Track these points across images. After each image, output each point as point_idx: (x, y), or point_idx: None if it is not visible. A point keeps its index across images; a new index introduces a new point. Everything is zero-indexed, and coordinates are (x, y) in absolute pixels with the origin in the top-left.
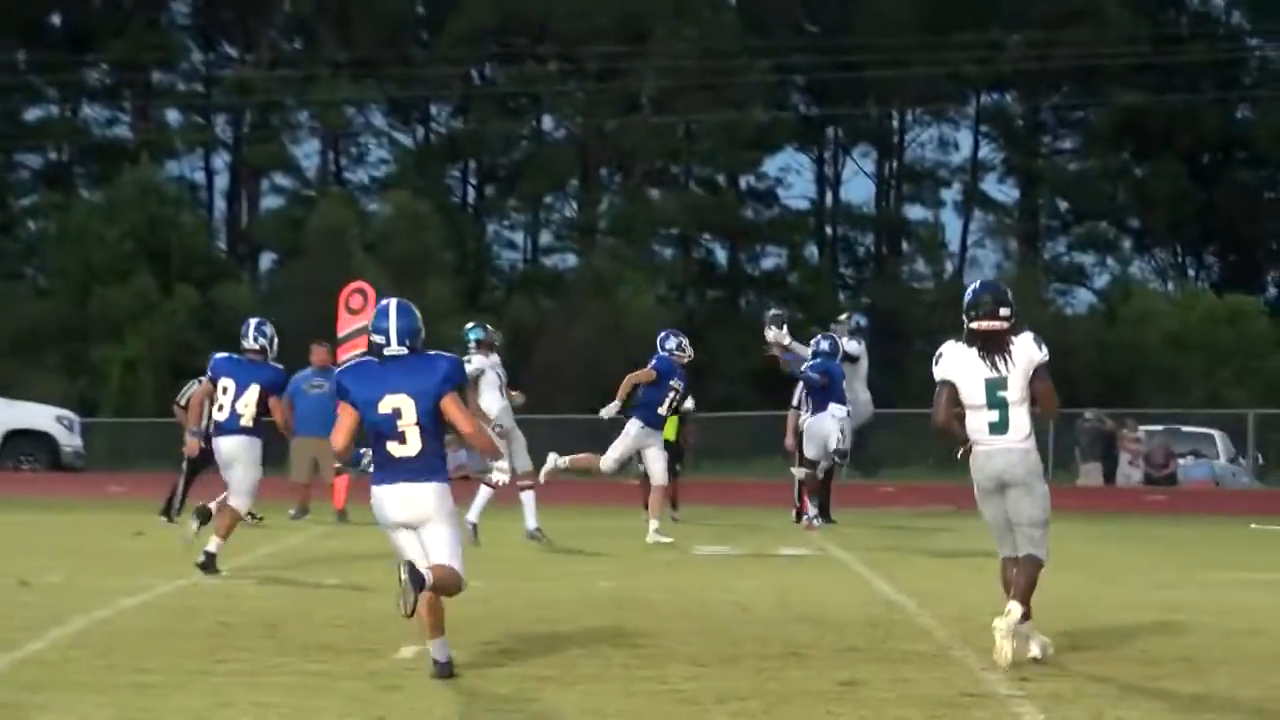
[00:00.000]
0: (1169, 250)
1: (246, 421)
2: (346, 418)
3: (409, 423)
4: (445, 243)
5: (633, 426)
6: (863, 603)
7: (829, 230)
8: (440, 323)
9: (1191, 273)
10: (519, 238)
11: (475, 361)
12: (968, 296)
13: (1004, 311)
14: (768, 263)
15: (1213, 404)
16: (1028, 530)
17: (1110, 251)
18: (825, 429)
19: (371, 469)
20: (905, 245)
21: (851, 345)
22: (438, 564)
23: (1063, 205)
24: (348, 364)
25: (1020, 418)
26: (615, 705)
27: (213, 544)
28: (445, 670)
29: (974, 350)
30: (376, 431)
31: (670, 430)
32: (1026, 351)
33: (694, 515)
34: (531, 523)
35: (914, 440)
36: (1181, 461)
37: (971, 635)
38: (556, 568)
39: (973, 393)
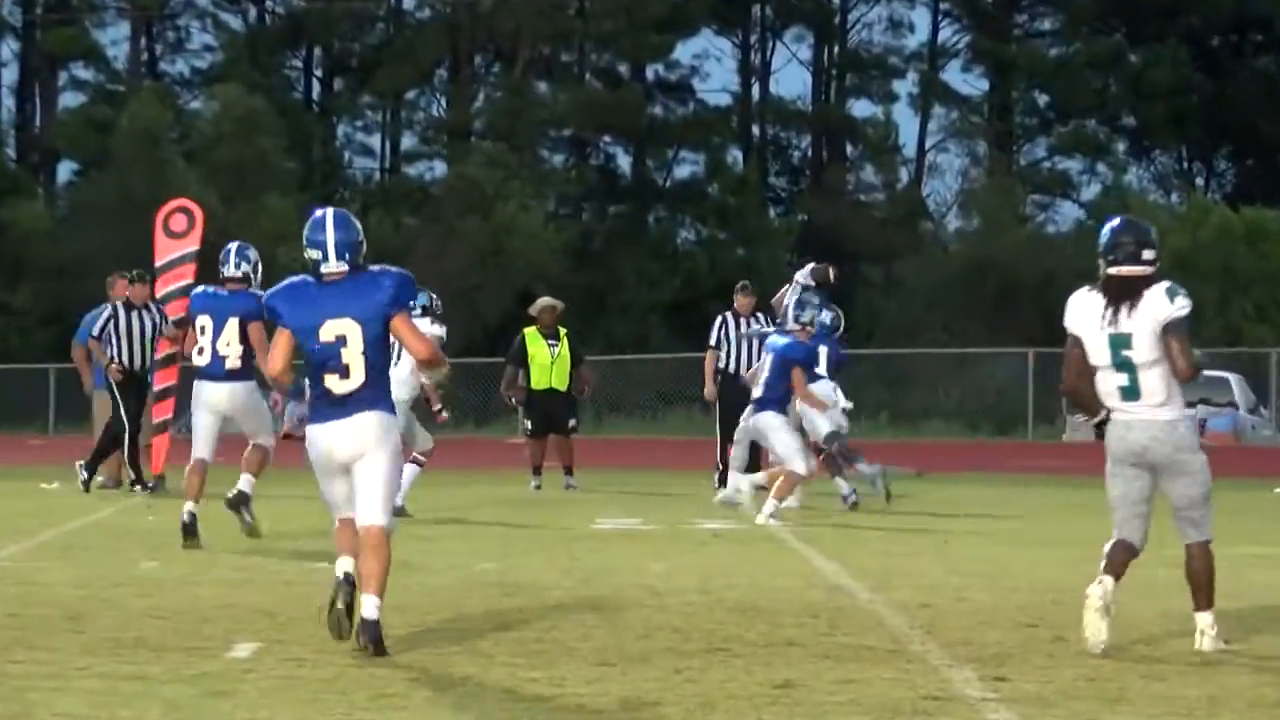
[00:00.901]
0: (1171, 154)
1: (233, 363)
2: (283, 340)
3: (354, 352)
4: (285, 149)
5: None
6: (802, 586)
7: (756, 131)
8: (280, 248)
9: (1200, 181)
10: (375, 142)
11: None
12: (1104, 237)
13: (1147, 255)
14: (682, 171)
15: (1228, 342)
16: (1187, 513)
17: (1100, 156)
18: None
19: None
20: (850, 149)
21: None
22: (369, 574)
23: (1041, 99)
24: (280, 284)
25: (1155, 382)
26: (499, 715)
27: (244, 481)
28: (372, 630)
29: (1102, 300)
30: (315, 363)
31: (560, 377)
32: (1154, 304)
33: (594, 481)
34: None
35: (865, 388)
36: (1189, 412)
37: (936, 625)
38: (429, 547)
39: (1096, 350)
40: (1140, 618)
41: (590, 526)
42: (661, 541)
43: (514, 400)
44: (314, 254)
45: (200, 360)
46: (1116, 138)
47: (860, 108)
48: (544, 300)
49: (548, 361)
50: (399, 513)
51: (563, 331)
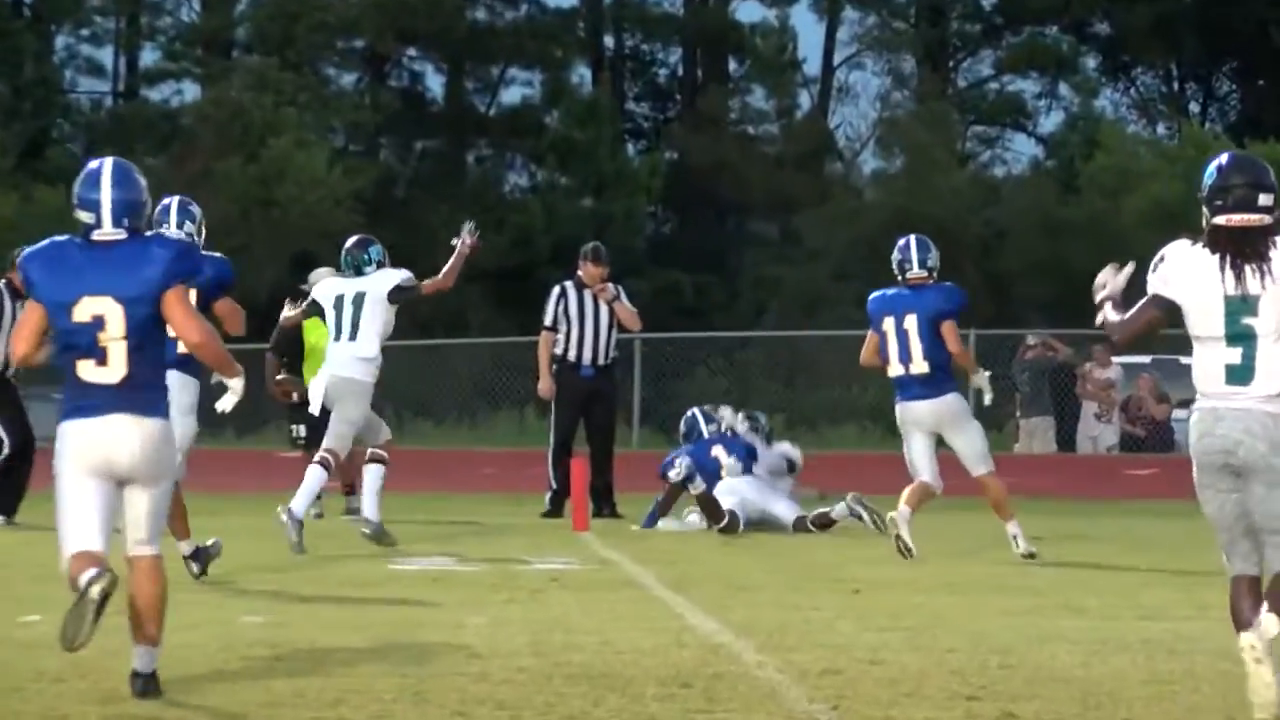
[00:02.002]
0: (1157, 72)
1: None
2: (33, 315)
3: (113, 336)
4: None
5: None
6: (669, 646)
7: (609, 42)
8: None
9: (1194, 107)
10: (107, 57)
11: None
12: (1209, 178)
13: (1264, 200)
14: (511, 95)
15: None
16: (1276, 534)
17: (1064, 74)
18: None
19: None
20: (733, 66)
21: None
22: (145, 613)
23: (987, 0)
24: (38, 245)
25: (1273, 362)
26: None
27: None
28: (148, 685)
29: (1215, 256)
30: (66, 345)
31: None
32: None
33: (393, 507)
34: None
35: (754, 382)
36: (1181, 413)
37: (846, 697)
38: (176, 595)
39: (1206, 318)
40: (1119, 685)
41: (387, 568)
42: (482, 587)
43: (293, 396)
44: (85, 216)
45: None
46: (1085, 50)
47: (747, 10)
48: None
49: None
50: (379, 537)
51: None
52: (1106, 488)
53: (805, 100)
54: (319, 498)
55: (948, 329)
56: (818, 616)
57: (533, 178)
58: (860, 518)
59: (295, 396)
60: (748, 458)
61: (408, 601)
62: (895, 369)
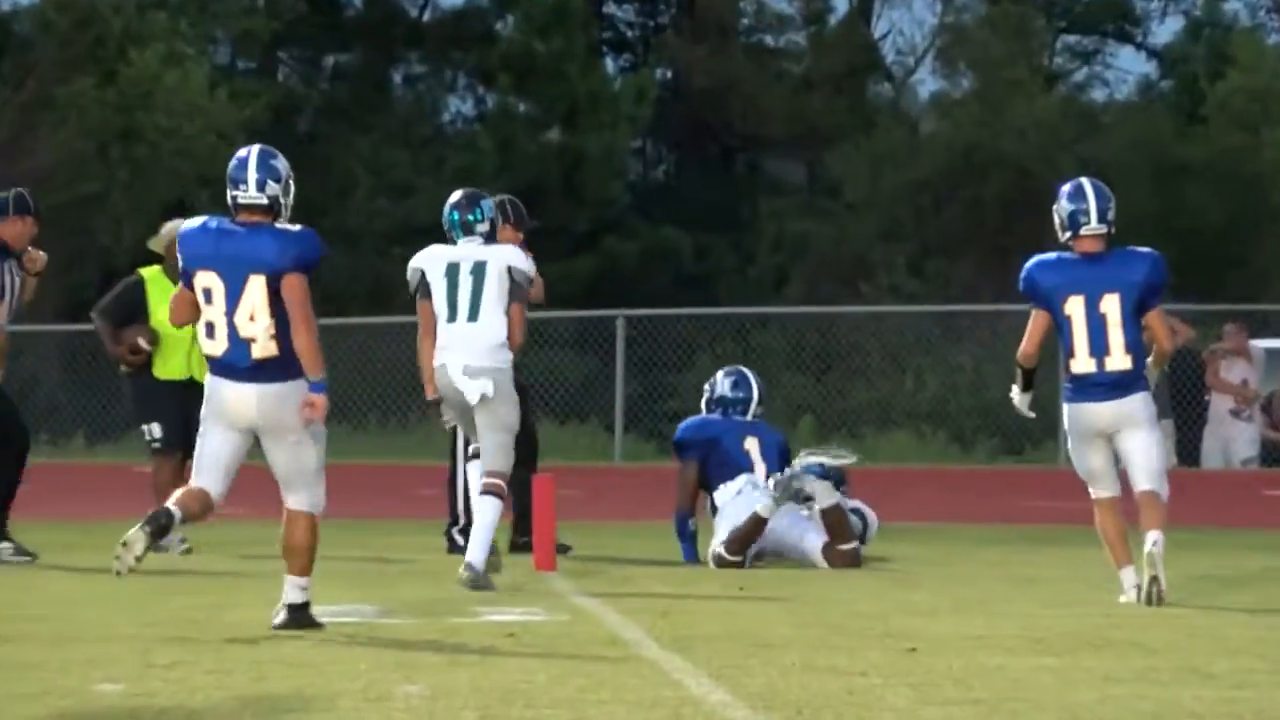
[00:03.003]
0: None
1: (263, 349)
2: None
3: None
4: None
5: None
6: (648, 704)
7: None
8: None
9: None
10: None
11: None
12: None
13: None
14: None
15: None
16: None
17: None
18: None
19: None
20: None
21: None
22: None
23: None
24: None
25: None
26: None
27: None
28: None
29: None
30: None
31: (175, 366)
32: None
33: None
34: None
35: (774, 373)
36: None
37: None
38: (12, 651)
39: None
40: None
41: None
42: (416, 646)
43: (144, 346)
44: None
45: (210, 347)
46: None
47: None
48: (173, 228)
49: (185, 332)
50: (480, 584)
51: None
52: (1241, 512)
53: (841, 1)
54: (172, 533)
55: (1157, 316)
56: (862, 684)
57: (481, 103)
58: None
59: (146, 344)
60: (780, 462)
61: (314, 665)
62: (1083, 364)
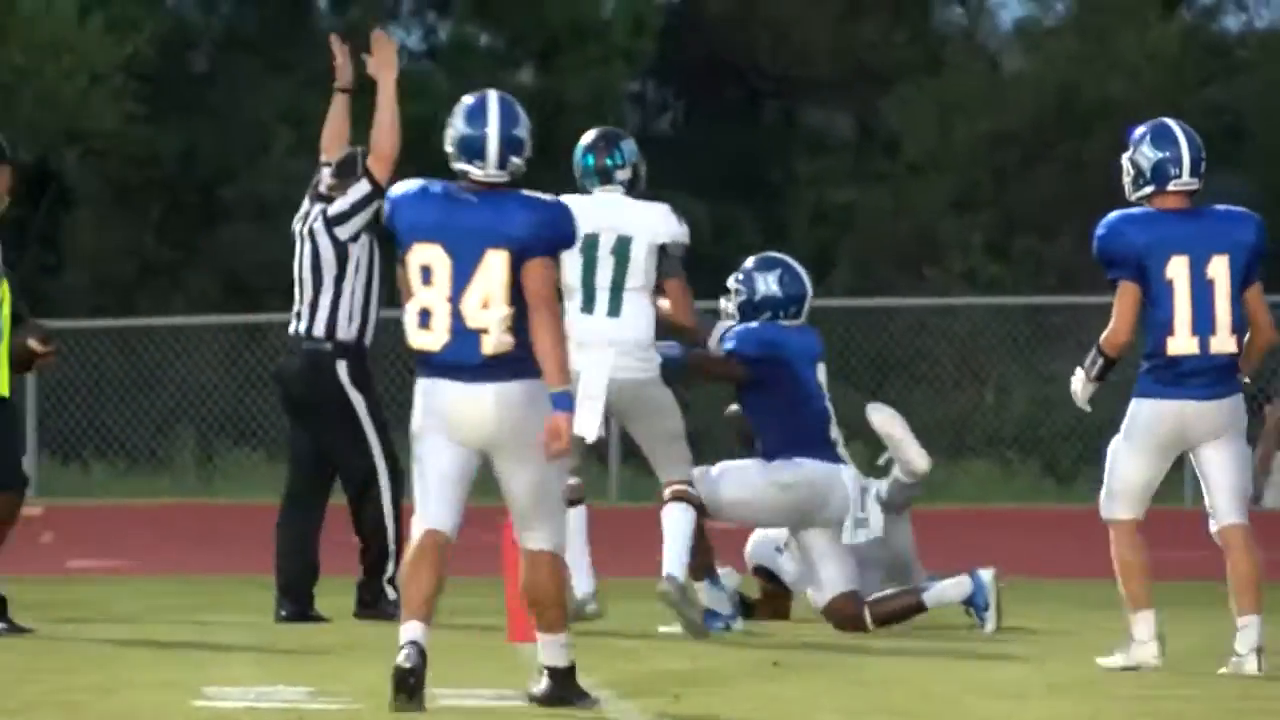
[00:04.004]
0: None
1: (495, 344)
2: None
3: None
4: None
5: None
6: None
7: None
8: None
9: None
10: None
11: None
12: None
13: None
14: None
15: None
16: None
17: None
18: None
19: None
20: None
21: None
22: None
23: None
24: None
25: None
26: None
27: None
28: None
29: None
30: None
31: None
32: None
33: (198, 593)
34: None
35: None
36: None
37: None
38: None
39: None
40: None
41: (191, 703)
42: None
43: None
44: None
45: (423, 340)
46: None
47: None
48: None
49: None
50: (681, 603)
51: None
52: None
53: None
54: None
55: (1260, 293)
56: None
57: (432, 35)
58: (978, 610)
59: (38, 346)
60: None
61: None
62: (1183, 344)
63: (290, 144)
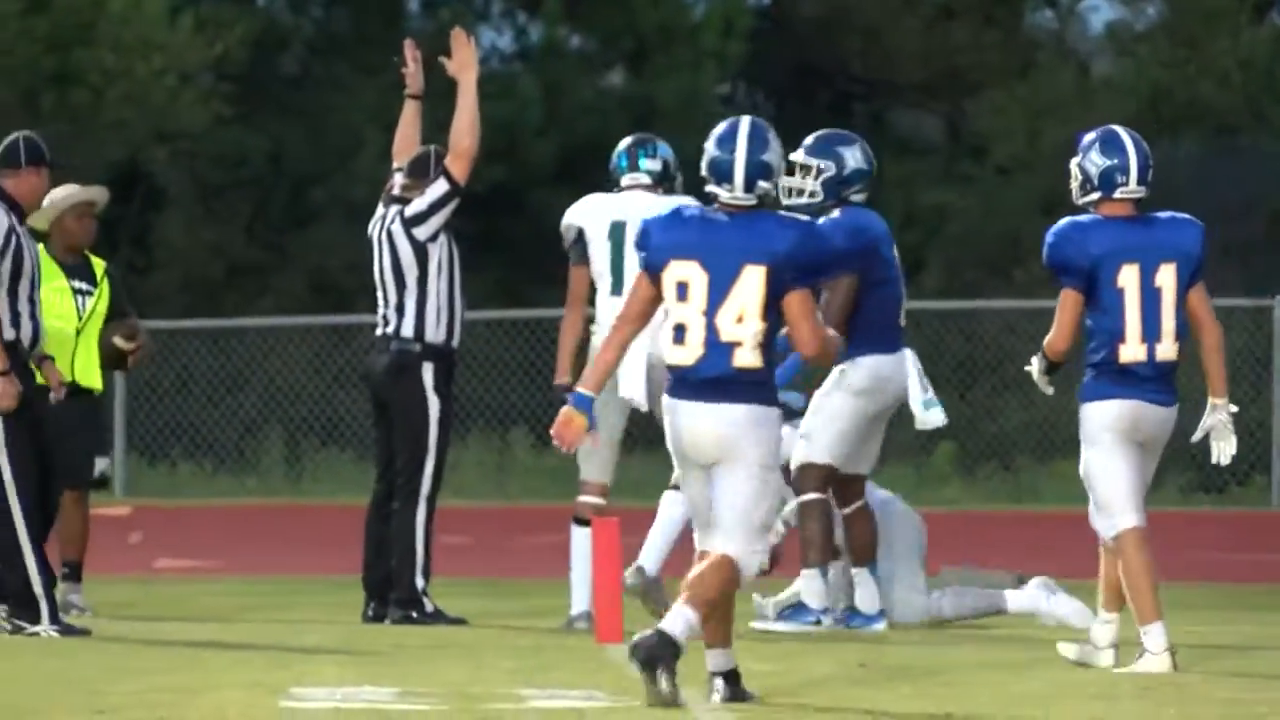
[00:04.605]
0: None
1: (746, 358)
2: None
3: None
4: None
5: None
6: None
7: None
8: None
9: None
10: None
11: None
12: None
13: None
14: None
15: None
16: None
17: None
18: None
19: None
20: None
21: None
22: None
23: None
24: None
25: None
26: None
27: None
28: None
29: None
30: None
31: (88, 361)
32: None
33: (281, 593)
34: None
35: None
36: None
37: None
38: None
39: None
40: None
41: (279, 703)
42: None
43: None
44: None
45: (677, 354)
46: None
47: None
48: (72, 194)
49: (68, 327)
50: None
51: (100, 266)
52: None
53: None
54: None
55: (1200, 293)
56: None
57: (523, 36)
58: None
59: (123, 343)
60: None
61: None
62: (1134, 351)
63: (380, 147)
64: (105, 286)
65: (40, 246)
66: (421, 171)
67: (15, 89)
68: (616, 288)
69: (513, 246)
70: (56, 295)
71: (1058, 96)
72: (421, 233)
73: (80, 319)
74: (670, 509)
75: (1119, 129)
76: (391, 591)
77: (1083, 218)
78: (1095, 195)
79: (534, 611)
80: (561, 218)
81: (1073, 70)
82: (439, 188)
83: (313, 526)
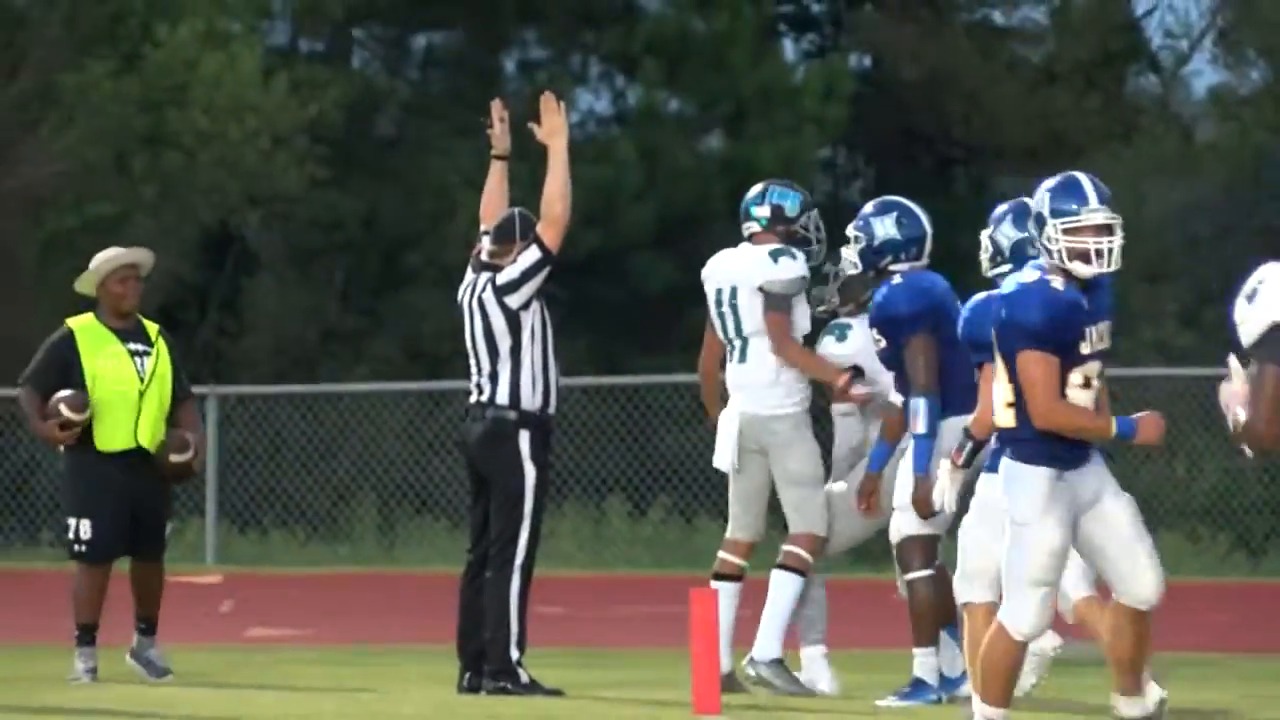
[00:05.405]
0: None
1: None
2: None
3: None
4: None
5: None
6: None
7: None
8: None
9: None
10: None
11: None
12: None
13: None
14: None
15: None
16: None
17: None
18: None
19: None
20: None
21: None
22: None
23: None
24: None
25: None
26: None
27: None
28: None
29: None
30: None
31: (152, 424)
32: None
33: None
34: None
35: None
36: None
37: None
38: None
39: None
40: None
41: None
42: None
43: (69, 414)
44: None
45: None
46: None
47: None
48: (114, 256)
49: (130, 390)
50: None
51: (154, 329)
52: None
53: None
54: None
55: None
56: None
57: (620, 99)
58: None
59: (73, 413)
60: None
61: None
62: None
63: (474, 210)
64: (162, 345)
65: (91, 315)
66: (507, 236)
67: (108, 151)
68: (730, 354)
69: (609, 312)
70: (113, 361)
71: (1161, 162)
72: (514, 301)
73: (142, 381)
74: (776, 583)
75: (1030, 201)
76: (486, 662)
77: (996, 294)
78: (1006, 268)
79: (630, 682)
80: (656, 283)
81: (1176, 136)
82: (531, 255)
83: (406, 595)
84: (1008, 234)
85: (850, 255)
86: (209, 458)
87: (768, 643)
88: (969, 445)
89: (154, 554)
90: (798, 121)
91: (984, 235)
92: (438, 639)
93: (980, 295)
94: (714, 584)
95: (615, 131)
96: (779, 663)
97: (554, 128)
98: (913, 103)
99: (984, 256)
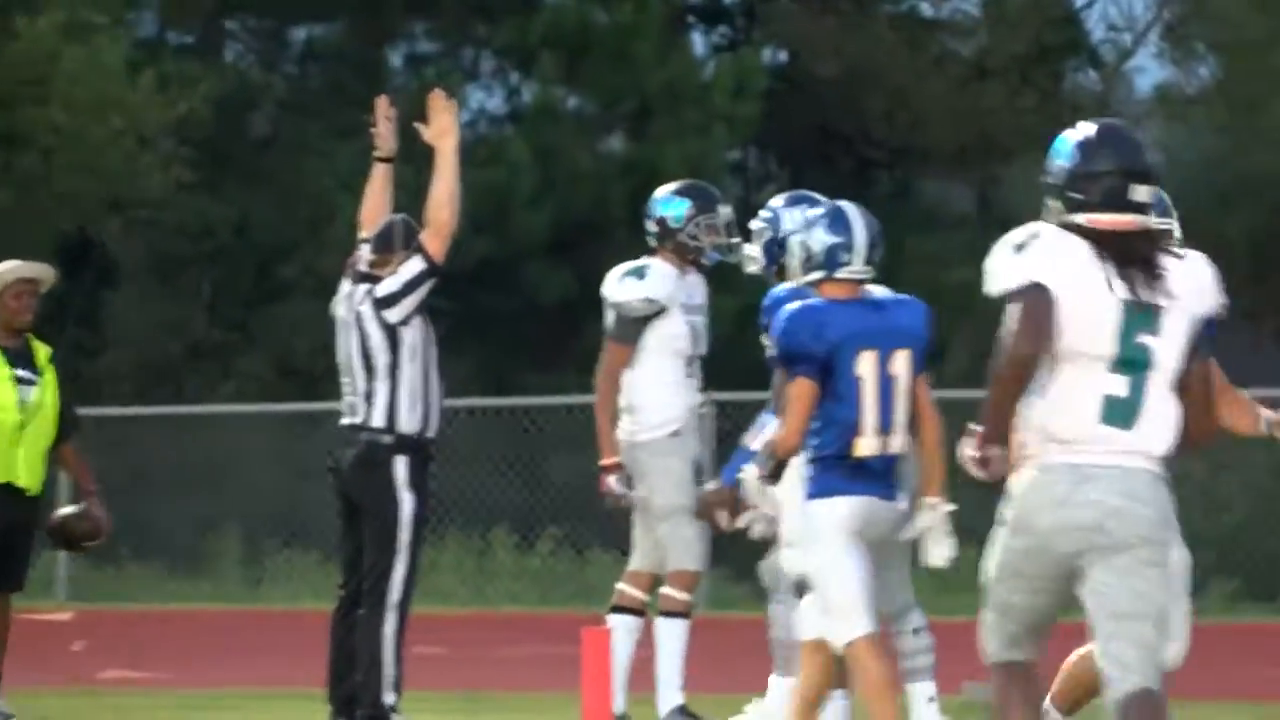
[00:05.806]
0: None
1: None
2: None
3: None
4: None
5: None
6: None
7: None
8: None
9: None
10: None
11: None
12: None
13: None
14: None
15: None
16: (1138, 631)
17: None
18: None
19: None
20: None
21: None
22: None
23: None
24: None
25: (1166, 406)
26: None
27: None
28: None
29: (1092, 250)
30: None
31: (33, 461)
32: (1196, 279)
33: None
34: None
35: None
36: None
37: None
38: None
39: (1090, 329)
40: None
41: None
42: None
43: None
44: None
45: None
46: None
47: None
48: (12, 269)
49: (7, 418)
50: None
51: (44, 354)
52: None
53: None
54: None
55: (923, 382)
56: None
57: (513, 95)
58: None
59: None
60: None
61: None
62: (871, 444)
63: (355, 216)
64: (50, 375)
65: None
66: (388, 245)
67: None
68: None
69: (499, 326)
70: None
71: None
72: (393, 315)
73: (22, 411)
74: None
75: (848, 206)
76: (358, 707)
77: (814, 301)
78: (818, 274)
79: None
80: (551, 294)
81: None
82: (413, 266)
83: (273, 634)
84: (822, 239)
85: (752, 251)
86: (61, 485)
87: (668, 694)
88: (773, 463)
89: (13, 592)
90: (707, 120)
91: (795, 239)
92: (307, 682)
93: (799, 303)
94: (612, 617)
95: (509, 131)
96: (682, 709)
97: (443, 128)
98: (831, 100)
99: (794, 262)
